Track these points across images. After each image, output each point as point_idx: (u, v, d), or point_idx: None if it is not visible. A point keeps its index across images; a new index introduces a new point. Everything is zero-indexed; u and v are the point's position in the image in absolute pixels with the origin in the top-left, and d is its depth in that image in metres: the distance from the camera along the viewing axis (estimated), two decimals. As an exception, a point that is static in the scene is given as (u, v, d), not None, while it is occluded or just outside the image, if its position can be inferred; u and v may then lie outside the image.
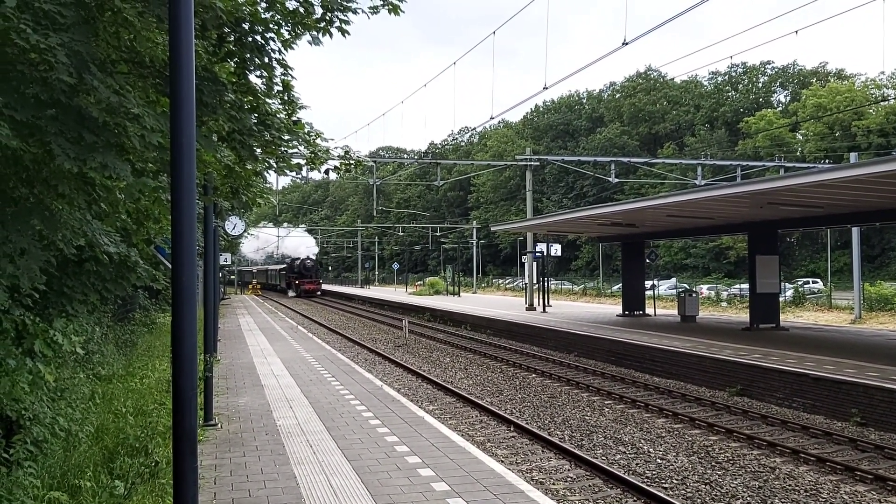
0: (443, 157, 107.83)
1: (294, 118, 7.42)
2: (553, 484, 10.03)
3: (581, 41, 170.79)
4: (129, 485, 6.60)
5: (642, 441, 12.52)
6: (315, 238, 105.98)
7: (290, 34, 6.53)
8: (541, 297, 37.79)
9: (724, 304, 42.41)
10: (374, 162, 48.13)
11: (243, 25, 6.16)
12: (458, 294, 60.52)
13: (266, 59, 6.47)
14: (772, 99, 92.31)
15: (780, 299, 27.79)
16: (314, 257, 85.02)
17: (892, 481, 9.97)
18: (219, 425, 10.66)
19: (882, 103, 68.42)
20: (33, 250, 5.53)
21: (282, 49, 6.53)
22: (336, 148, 8.25)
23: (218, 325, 20.90)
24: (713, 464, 11.07)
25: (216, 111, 6.05)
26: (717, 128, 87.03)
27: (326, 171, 8.66)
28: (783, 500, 9.37)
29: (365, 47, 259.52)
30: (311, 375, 15.76)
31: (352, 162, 8.49)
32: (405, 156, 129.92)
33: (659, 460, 11.28)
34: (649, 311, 32.66)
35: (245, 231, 23.89)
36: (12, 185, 5.60)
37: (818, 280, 58.31)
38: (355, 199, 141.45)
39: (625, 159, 52.83)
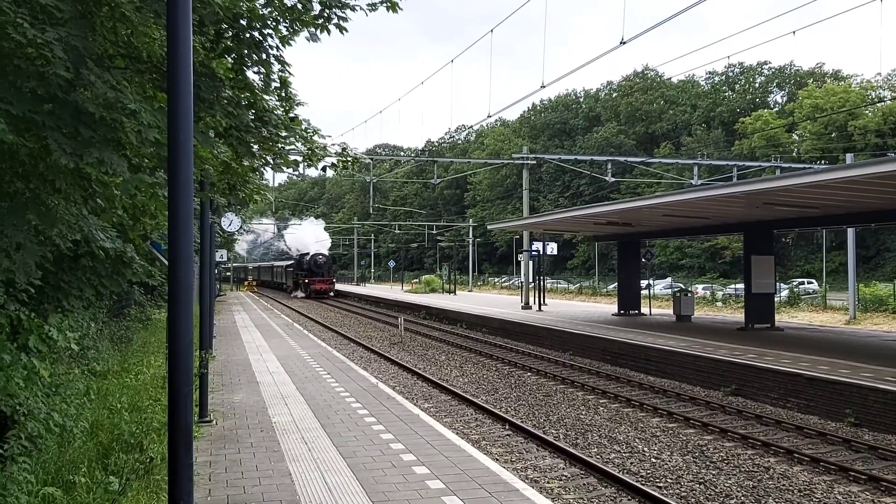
0: (440, 154, 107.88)
1: (291, 115, 7.41)
2: (548, 482, 10.04)
3: (579, 40, 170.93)
4: (124, 481, 6.60)
5: (637, 440, 12.54)
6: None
7: (287, 30, 6.52)
8: (537, 295, 37.81)
9: (719, 303, 42.51)
10: (371, 159, 48.10)
11: (241, 21, 6.15)
12: (454, 292, 60.49)
13: (264, 56, 6.47)
14: (768, 99, 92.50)
15: (776, 300, 27.83)
16: (327, 252, 72.83)
17: (886, 482, 10.00)
18: (214, 422, 10.65)
19: (878, 104, 68.55)
20: (29, 245, 5.52)
21: (279, 45, 6.52)
22: (333, 145, 8.23)
23: (213, 321, 20.87)
24: (707, 463, 11.09)
25: (213, 107, 6.04)
26: (713, 128, 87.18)
27: (324, 168, 8.65)
28: (777, 500, 9.40)
29: (363, 45, 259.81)
30: (307, 372, 15.75)
31: (349, 159, 8.48)
32: (402, 153, 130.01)
33: (653, 459, 11.29)
34: (644, 310, 32.68)
35: (241, 227, 23.85)
36: (8, 180, 5.59)
37: (813, 281, 58.45)
38: (352, 196, 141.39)
39: (621, 158, 52.94)
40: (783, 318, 30.41)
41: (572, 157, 54.64)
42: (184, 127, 3.68)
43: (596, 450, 11.88)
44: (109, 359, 14.35)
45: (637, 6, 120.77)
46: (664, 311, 34.50)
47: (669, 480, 10.21)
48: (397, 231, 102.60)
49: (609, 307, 37.60)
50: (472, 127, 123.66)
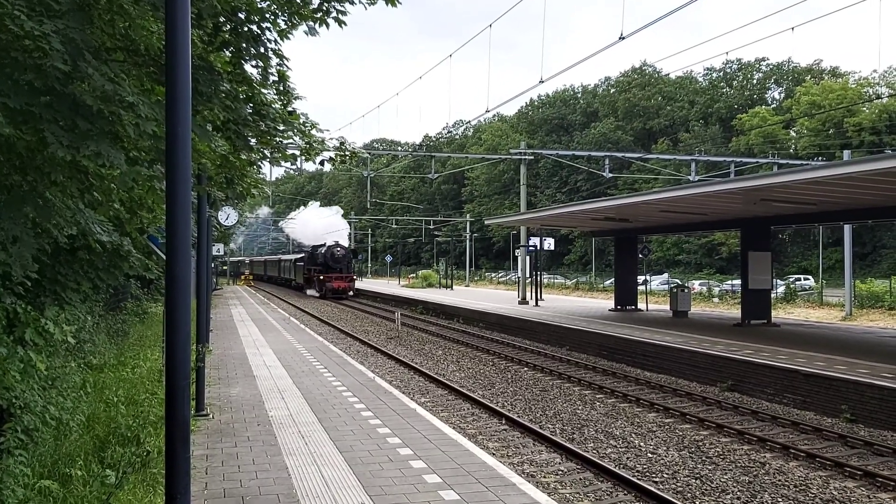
0: (437, 149, 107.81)
1: (289, 108, 7.39)
2: (544, 477, 10.05)
3: (578, 35, 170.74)
4: (121, 474, 6.57)
5: (633, 435, 12.56)
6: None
7: (286, 24, 6.50)
8: (533, 290, 37.84)
9: (715, 299, 42.56)
10: (369, 154, 47.96)
11: (239, 15, 6.13)
12: (451, 287, 60.48)
13: (262, 49, 6.44)
14: (766, 96, 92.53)
15: (772, 296, 27.88)
16: (346, 244, 59.62)
17: (882, 477, 10.03)
18: (210, 416, 10.66)
19: (875, 101, 68.61)
20: (25, 238, 5.50)
21: (278, 39, 6.50)
22: (331, 139, 8.21)
23: (210, 315, 20.85)
24: (704, 458, 11.11)
25: (211, 100, 6.02)
26: (711, 124, 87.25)
27: (321, 163, 8.63)
28: (773, 495, 9.42)
29: (361, 39, 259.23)
30: (304, 367, 15.75)
31: (347, 153, 8.46)
32: (399, 148, 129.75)
33: (650, 454, 11.32)
34: (641, 306, 32.73)
35: (238, 220, 23.69)
36: (5, 173, 5.57)
37: (809, 277, 58.55)
38: (349, 190, 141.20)
39: (619, 154, 52.88)
40: (779, 314, 30.47)
41: (570, 153, 54.42)
42: (182, 120, 3.68)
43: (592, 444, 11.90)
44: (106, 352, 14.33)
45: (636, 1, 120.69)
46: (661, 306, 34.53)
47: (666, 475, 10.24)
48: (394, 226, 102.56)
49: (606, 303, 37.64)
50: (469, 122, 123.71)
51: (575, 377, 18.35)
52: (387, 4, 6.51)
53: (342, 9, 6.47)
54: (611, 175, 44.25)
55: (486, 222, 48.27)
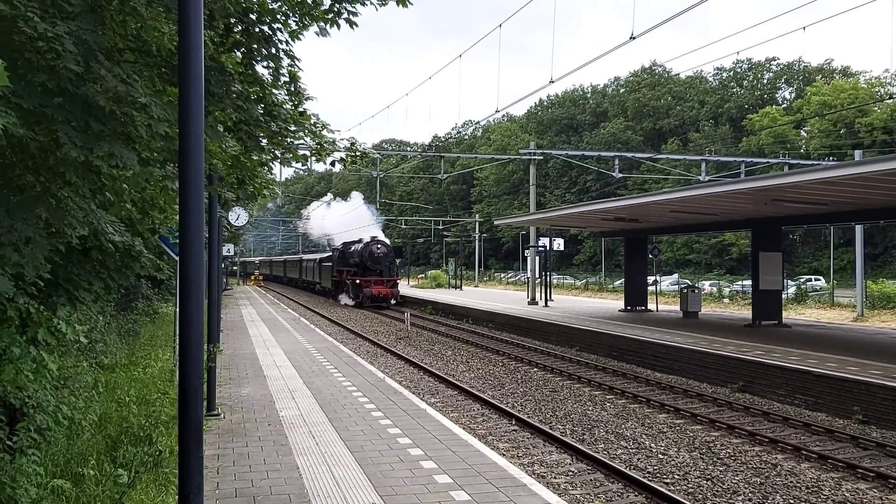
0: (446, 150, 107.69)
1: (300, 109, 7.41)
2: (555, 478, 10.04)
3: (588, 35, 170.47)
4: (133, 473, 6.60)
5: (644, 436, 12.53)
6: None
7: (297, 25, 6.52)
8: (543, 291, 37.79)
9: (726, 300, 42.41)
10: (379, 154, 47.79)
11: (251, 16, 6.15)
12: (461, 287, 60.44)
13: (273, 50, 6.46)
14: (777, 96, 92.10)
15: (783, 296, 27.75)
16: (386, 241, 49.63)
17: (894, 479, 9.97)
18: (221, 415, 10.69)
19: (888, 101, 68.23)
20: (38, 239, 5.52)
21: (289, 40, 6.52)
22: (342, 140, 8.22)
23: (221, 315, 20.91)
24: (715, 460, 11.07)
25: (223, 101, 6.04)
26: (721, 124, 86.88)
27: (332, 163, 8.64)
28: (784, 497, 9.38)
29: (372, 40, 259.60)
30: (314, 367, 15.78)
31: (357, 154, 8.47)
32: (409, 148, 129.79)
33: (660, 456, 11.29)
34: (651, 306, 32.64)
35: (248, 221, 23.67)
36: (18, 174, 5.60)
37: (820, 278, 58.28)
38: (358, 191, 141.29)
39: (629, 154, 52.79)
40: (790, 314, 30.33)
41: (579, 153, 54.28)
42: (195, 121, 3.69)
43: (603, 445, 11.88)
44: (117, 352, 14.40)
45: (646, 1, 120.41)
46: (671, 307, 34.44)
47: (677, 476, 10.20)
48: (403, 226, 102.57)
49: (615, 303, 37.56)
50: (479, 122, 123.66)
51: (585, 378, 18.31)
52: (398, 5, 6.52)
53: (353, 10, 6.48)
54: (620, 175, 44.13)
55: (495, 223, 48.13)
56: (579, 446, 11.45)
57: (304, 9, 6.39)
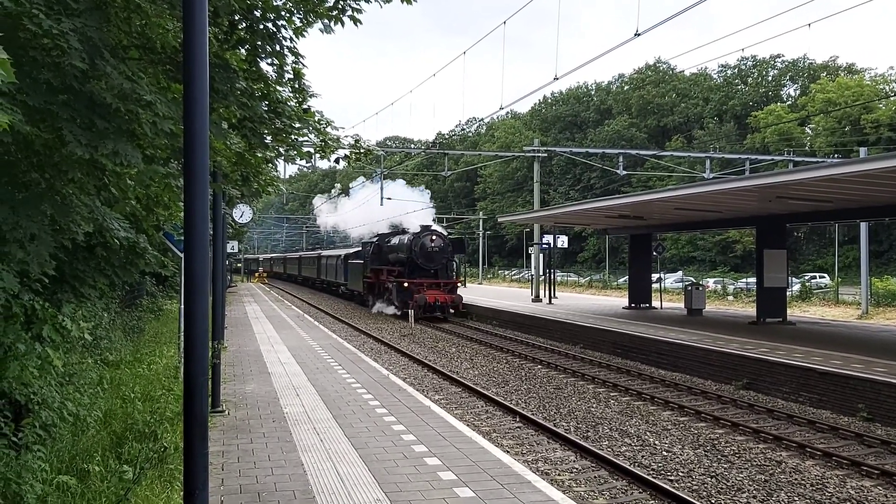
0: (450, 147, 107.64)
1: (305, 106, 7.42)
2: (559, 475, 10.04)
3: (593, 32, 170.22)
4: (138, 469, 6.63)
5: (648, 433, 12.52)
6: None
7: (301, 22, 6.52)
8: (547, 288, 37.75)
9: (730, 297, 42.33)
10: (382, 151, 47.69)
11: (255, 13, 6.16)
12: (464, 284, 60.32)
13: (277, 47, 6.47)
14: (781, 93, 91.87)
15: (787, 294, 27.71)
16: (442, 231, 40.38)
17: (899, 477, 9.95)
18: (226, 412, 10.70)
19: (893, 98, 68.03)
20: (43, 236, 5.54)
21: (293, 37, 6.53)
22: (346, 137, 8.24)
23: (225, 312, 20.94)
24: (719, 457, 11.06)
25: (227, 98, 6.05)
26: (725, 121, 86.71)
27: (336, 160, 8.65)
28: (789, 494, 9.37)
29: (376, 37, 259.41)
30: (318, 364, 15.79)
31: (361, 151, 8.48)
32: (413, 146, 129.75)
33: (664, 452, 11.28)
34: (655, 304, 32.60)
35: (252, 218, 23.59)
36: (24, 170, 5.62)
37: (825, 275, 58.16)
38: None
39: (633, 152, 52.65)
40: (795, 312, 30.28)
41: (583, 150, 54.17)
42: (200, 118, 3.69)
43: (607, 443, 11.87)
44: (122, 349, 14.42)
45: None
46: (675, 304, 34.38)
47: (681, 474, 10.20)
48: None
49: (620, 300, 37.52)
50: (483, 119, 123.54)
51: (589, 375, 18.30)
52: (402, 2, 6.52)
53: (357, 7, 6.49)
54: (625, 173, 44.01)
55: (499, 220, 48.06)
56: (583, 443, 11.44)
57: (308, 5, 6.39)
